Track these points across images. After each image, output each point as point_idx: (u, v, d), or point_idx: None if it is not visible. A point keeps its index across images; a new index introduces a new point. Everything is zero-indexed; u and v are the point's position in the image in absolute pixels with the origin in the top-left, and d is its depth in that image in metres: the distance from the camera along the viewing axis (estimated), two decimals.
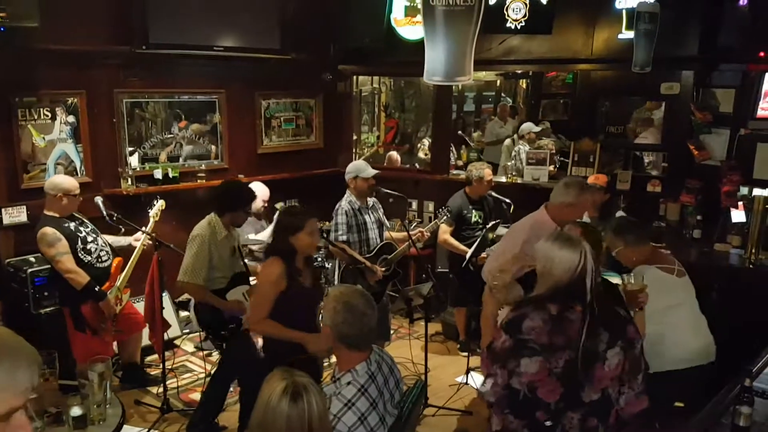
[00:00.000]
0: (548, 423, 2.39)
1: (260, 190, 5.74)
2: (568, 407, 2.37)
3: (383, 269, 4.96)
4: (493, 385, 2.46)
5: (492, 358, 2.47)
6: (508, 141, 8.27)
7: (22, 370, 1.27)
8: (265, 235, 5.73)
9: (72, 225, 4.48)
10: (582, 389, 2.37)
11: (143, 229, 4.72)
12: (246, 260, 4.51)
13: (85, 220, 4.64)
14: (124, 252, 4.83)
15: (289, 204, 6.62)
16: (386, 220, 5.23)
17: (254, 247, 5.39)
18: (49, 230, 4.32)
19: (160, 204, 4.96)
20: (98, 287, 4.43)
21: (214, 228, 4.06)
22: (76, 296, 4.39)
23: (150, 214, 4.89)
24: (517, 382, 2.40)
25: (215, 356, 5.35)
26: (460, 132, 9.03)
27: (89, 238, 4.52)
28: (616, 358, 2.38)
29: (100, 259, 4.55)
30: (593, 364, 2.36)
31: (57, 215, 4.44)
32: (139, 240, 4.76)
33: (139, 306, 5.07)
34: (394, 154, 7.98)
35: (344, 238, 4.83)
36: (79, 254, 4.43)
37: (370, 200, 5.08)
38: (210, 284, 4.04)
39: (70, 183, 4.54)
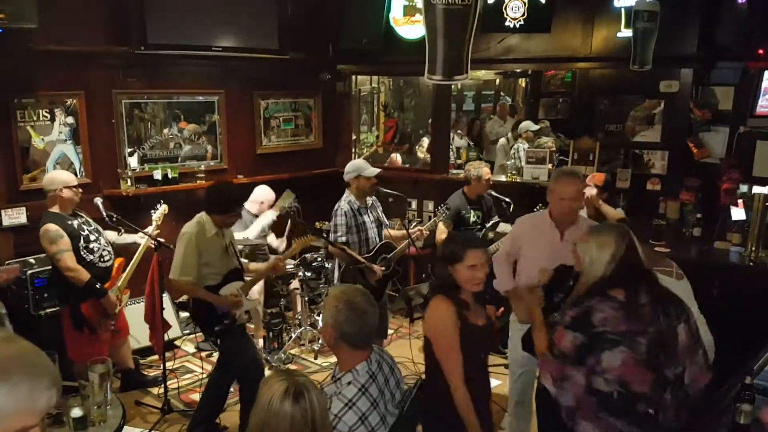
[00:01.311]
0: (651, 411, 2.39)
1: (265, 194, 5.74)
2: (662, 388, 2.39)
3: (383, 268, 4.95)
4: (572, 386, 2.42)
5: (563, 360, 2.44)
6: (503, 140, 8.26)
7: (43, 392, 1.25)
8: (251, 233, 5.69)
9: (75, 222, 4.44)
10: (667, 367, 2.40)
11: (146, 231, 4.72)
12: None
13: (89, 219, 4.62)
14: (126, 252, 4.82)
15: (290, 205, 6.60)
16: (385, 219, 5.22)
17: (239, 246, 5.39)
18: (51, 227, 4.26)
19: (163, 209, 4.96)
20: (99, 284, 4.42)
21: (203, 226, 4.05)
22: (76, 294, 4.37)
23: (153, 218, 4.89)
24: (603, 382, 2.37)
25: (216, 357, 5.34)
26: (460, 131, 9.02)
27: (92, 237, 4.50)
28: (683, 332, 2.44)
29: (102, 259, 4.54)
30: (673, 340, 2.41)
31: (60, 212, 4.39)
32: (144, 237, 4.75)
33: (139, 307, 5.07)
34: (396, 156, 7.98)
35: (343, 239, 4.82)
36: (81, 252, 4.39)
37: (369, 199, 5.07)
38: (203, 280, 4.04)
39: (67, 175, 4.53)
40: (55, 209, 4.39)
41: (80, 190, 4.53)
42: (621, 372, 2.34)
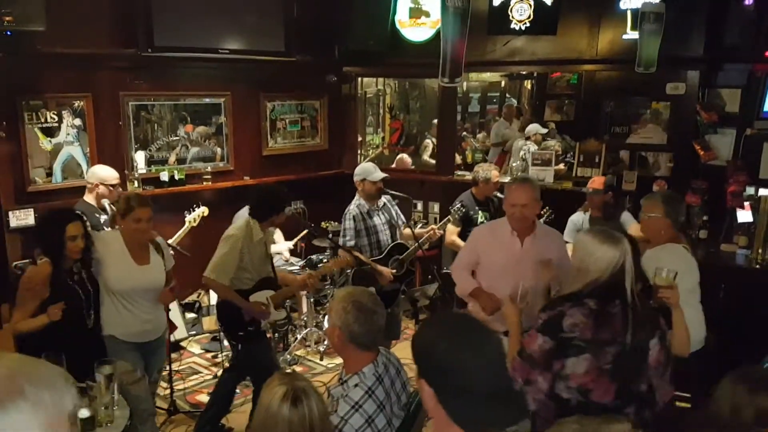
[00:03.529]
0: None
1: None
2: (624, 404, 2.35)
3: (394, 270, 4.94)
4: (533, 392, 2.40)
5: (530, 364, 2.41)
6: (520, 142, 8.25)
7: (64, 394, 1.18)
8: (281, 247, 5.72)
9: (102, 218, 4.58)
10: (633, 383, 2.36)
11: (169, 242, 4.73)
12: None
13: None
14: None
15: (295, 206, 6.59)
16: (402, 217, 5.19)
17: None
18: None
19: (201, 210, 5.00)
20: None
21: (251, 230, 4.06)
22: None
23: (187, 219, 4.92)
24: (564, 388, 2.36)
25: (221, 358, 5.36)
26: (464, 134, 9.03)
27: None
28: (656, 348, 2.39)
29: None
30: (642, 356, 2.36)
31: (93, 203, 4.63)
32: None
33: None
34: (405, 156, 7.96)
35: (352, 243, 4.83)
36: None
37: (381, 201, 5.06)
38: (237, 283, 4.05)
39: (107, 172, 4.74)
40: (89, 199, 4.65)
41: (118, 189, 4.75)
42: (584, 380, 2.33)
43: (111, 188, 4.69)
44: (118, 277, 3.58)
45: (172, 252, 4.23)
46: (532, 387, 2.41)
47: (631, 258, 2.40)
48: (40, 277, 3.35)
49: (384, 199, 5.06)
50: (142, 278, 3.65)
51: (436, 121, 7.72)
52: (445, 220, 5.42)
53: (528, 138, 7.79)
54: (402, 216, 5.18)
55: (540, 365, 2.39)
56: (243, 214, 5.31)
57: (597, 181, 5.35)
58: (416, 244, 5.03)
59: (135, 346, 3.67)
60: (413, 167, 7.83)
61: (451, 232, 5.49)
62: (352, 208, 4.89)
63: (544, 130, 7.79)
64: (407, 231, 5.13)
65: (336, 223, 5.13)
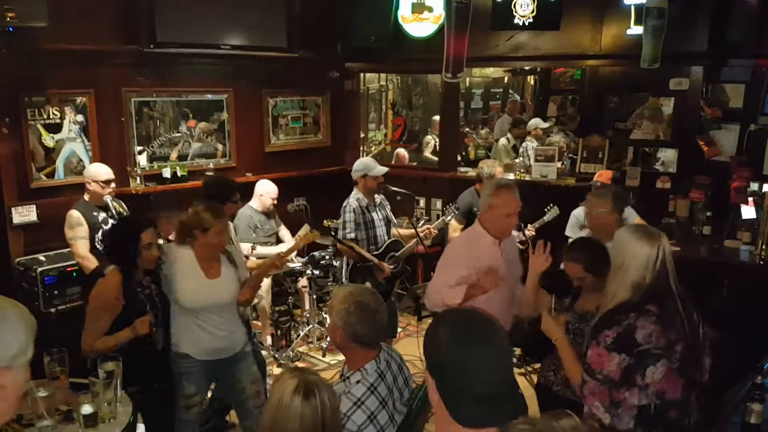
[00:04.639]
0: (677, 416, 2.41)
1: (269, 189, 5.73)
2: (690, 393, 2.41)
3: (391, 266, 4.95)
4: (625, 410, 2.35)
5: (611, 385, 2.35)
6: (503, 140, 8.20)
7: (26, 327, 1.49)
8: (282, 248, 5.71)
9: (101, 216, 4.63)
10: (695, 372, 2.41)
11: (170, 238, 4.74)
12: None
13: (117, 215, 4.77)
14: None
15: (298, 203, 6.59)
16: (393, 217, 5.21)
17: (262, 251, 5.38)
18: (74, 213, 4.55)
19: None
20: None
21: None
22: None
23: None
24: (645, 397, 2.34)
25: None
26: (467, 129, 9.02)
27: None
28: (703, 331, 2.44)
29: None
30: (698, 343, 2.41)
31: (89, 201, 4.68)
32: None
33: None
34: (402, 151, 7.95)
35: (352, 235, 4.83)
36: (96, 243, 4.55)
37: (377, 198, 5.07)
38: None
39: (97, 170, 4.76)
40: (87, 198, 4.69)
41: (111, 186, 4.74)
42: (661, 385, 2.33)
43: (103, 185, 4.65)
44: (189, 293, 3.35)
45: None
46: (622, 407, 2.35)
47: (670, 253, 2.39)
48: (113, 288, 3.11)
49: (378, 197, 5.07)
50: (215, 293, 3.41)
51: (437, 117, 7.71)
52: (440, 219, 5.43)
53: (528, 133, 7.78)
54: (393, 217, 5.21)
55: (622, 384, 2.34)
56: (244, 213, 5.33)
57: (604, 175, 5.32)
58: (414, 241, 5.05)
59: (208, 367, 3.47)
60: (414, 163, 7.83)
61: (455, 229, 5.49)
62: (352, 201, 4.90)
63: (545, 125, 7.78)
64: (403, 231, 5.14)
65: (336, 220, 5.13)
